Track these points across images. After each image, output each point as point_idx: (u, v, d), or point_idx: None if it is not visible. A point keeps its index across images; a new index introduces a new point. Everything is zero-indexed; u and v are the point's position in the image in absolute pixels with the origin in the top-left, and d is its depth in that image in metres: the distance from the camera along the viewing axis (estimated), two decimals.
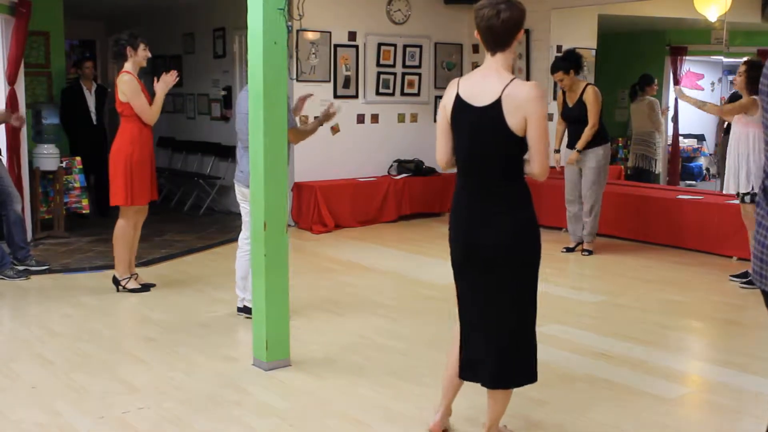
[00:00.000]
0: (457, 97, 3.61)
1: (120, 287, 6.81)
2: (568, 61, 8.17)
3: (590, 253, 8.32)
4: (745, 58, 7.40)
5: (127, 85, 6.59)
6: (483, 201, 3.60)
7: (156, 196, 6.91)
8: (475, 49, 11.30)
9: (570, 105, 8.27)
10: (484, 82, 3.56)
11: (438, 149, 3.78)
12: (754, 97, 6.73)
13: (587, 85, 8.18)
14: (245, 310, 5.95)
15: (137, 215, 6.84)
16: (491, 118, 3.48)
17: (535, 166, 3.52)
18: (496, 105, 3.46)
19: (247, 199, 5.59)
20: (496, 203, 3.58)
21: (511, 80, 3.50)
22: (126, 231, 6.80)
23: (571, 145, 8.31)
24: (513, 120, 3.45)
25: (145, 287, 6.90)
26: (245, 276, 5.86)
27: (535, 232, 3.63)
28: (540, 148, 3.49)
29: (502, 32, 3.51)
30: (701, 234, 8.31)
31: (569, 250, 8.48)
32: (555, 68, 8.21)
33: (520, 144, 3.51)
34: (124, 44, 6.65)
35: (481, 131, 3.55)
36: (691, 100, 7.51)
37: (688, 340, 6.00)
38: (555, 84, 9.04)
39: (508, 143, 3.50)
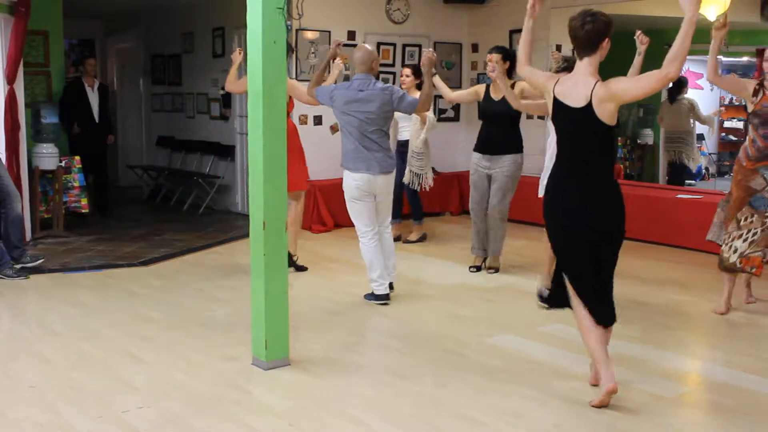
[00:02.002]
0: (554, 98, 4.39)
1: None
2: (508, 52, 7.35)
3: (496, 271, 7.62)
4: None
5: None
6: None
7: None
8: (475, 48, 11.31)
9: (495, 99, 7.37)
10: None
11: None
12: None
13: (516, 81, 7.16)
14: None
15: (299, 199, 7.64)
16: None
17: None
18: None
19: None
20: None
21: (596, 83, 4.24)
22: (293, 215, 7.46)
23: (483, 149, 7.53)
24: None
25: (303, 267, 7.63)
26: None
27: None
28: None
29: (586, 41, 4.27)
30: (701, 233, 8.29)
31: (477, 268, 7.72)
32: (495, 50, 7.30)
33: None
34: None
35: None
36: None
37: (687, 339, 5.99)
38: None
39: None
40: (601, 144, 4.32)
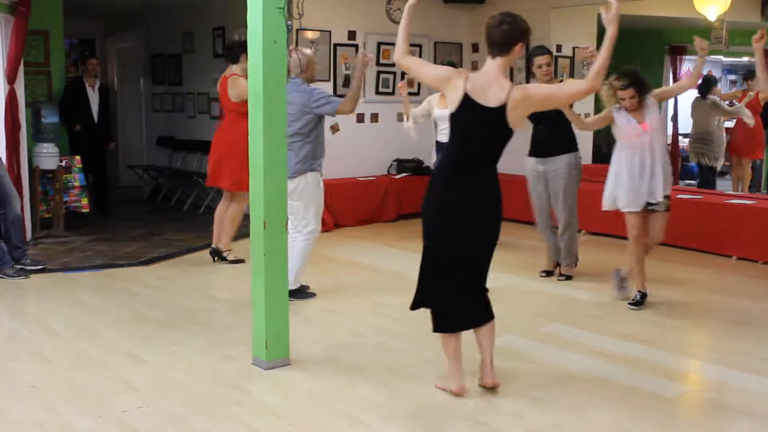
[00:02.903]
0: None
1: (222, 258, 7.92)
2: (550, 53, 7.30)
3: (568, 278, 7.38)
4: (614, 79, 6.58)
5: (243, 87, 7.26)
6: None
7: None
8: (475, 48, 11.30)
9: None
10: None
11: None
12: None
13: (562, 79, 7.31)
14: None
15: (246, 199, 7.48)
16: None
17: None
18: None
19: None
20: None
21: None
22: (239, 212, 7.88)
23: (535, 152, 7.32)
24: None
25: (240, 261, 7.83)
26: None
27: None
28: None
29: (500, 41, 4.25)
30: (701, 233, 8.31)
31: (548, 273, 7.53)
32: (543, 51, 7.19)
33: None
34: (238, 51, 7.51)
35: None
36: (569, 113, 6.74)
37: (688, 339, 5.99)
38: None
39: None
40: (497, 146, 4.34)
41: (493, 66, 4.28)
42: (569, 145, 7.22)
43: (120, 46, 14.57)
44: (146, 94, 13.81)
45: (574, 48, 10.87)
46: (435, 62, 11.17)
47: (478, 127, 4.28)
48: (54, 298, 6.66)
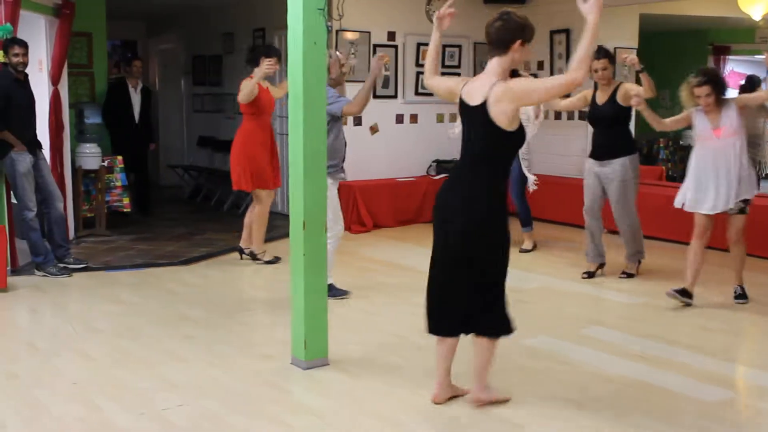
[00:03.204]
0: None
1: (254, 258, 7.96)
2: (611, 55, 7.40)
3: (630, 276, 7.45)
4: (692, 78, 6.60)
5: (242, 87, 7.54)
6: None
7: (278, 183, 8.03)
8: None
9: (599, 104, 7.37)
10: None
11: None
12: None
13: (620, 83, 7.31)
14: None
15: (266, 198, 7.92)
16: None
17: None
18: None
19: None
20: None
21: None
22: (262, 212, 7.90)
23: (593, 154, 7.40)
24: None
25: (277, 259, 7.93)
26: None
27: None
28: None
29: (495, 38, 4.09)
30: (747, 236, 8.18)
31: (590, 275, 7.49)
32: (598, 55, 7.23)
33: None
34: (257, 54, 7.65)
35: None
36: (648, 113, 6.78)
37: (730, 343, 5.91)
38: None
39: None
40: (489, 146, 4.10)
41: (490, 66, 4.12)
42: (625, 148, 7.25)
43: (161, 47, 14.72)
44: (187, 94, 13.95)
45: (615, 48, 10.77)
46: (474, 62, 11.16)
47: (469, 128, 4.18)
48: (96, 297, 6.75)
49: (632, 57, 7.12)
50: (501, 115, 3.99)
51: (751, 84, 10.80)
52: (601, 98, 7.32)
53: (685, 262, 6.48)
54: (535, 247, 8.80)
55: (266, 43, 11.14)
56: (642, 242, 7.49)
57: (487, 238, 4.15)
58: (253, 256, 7.97)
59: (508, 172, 4.32)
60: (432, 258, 4.35)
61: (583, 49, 3.82)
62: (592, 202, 7.41)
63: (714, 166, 6.29)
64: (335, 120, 6.33)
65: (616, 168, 7.21)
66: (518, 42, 4.05)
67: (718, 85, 6.26)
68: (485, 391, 4.37)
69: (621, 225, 7.37)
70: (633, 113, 7.42)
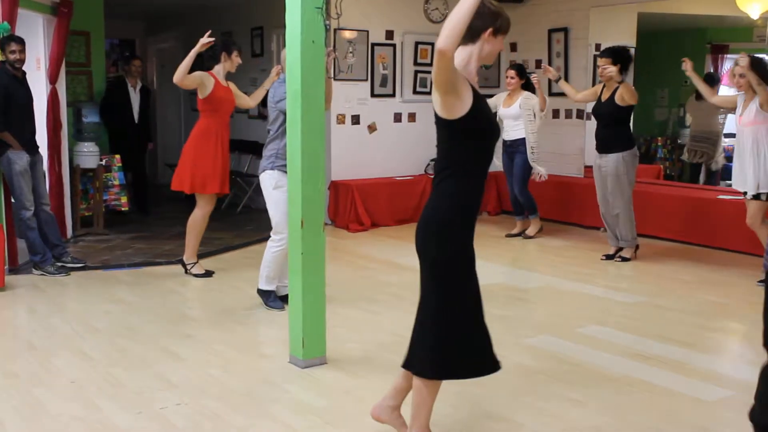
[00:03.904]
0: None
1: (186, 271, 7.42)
2: (619, 54, 7.69)
3: (625, 260, 7.96)
4: (740, 56, 6.94)
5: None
6: None
7: (224, 190, 7.42)
8: (513, 47, 11.24)
9: (602, 100, 7.80)
10: None
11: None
12: None
13: (622, 83, 7.55)
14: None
15: (205, 203, 7.40)
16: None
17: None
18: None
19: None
20: None
21: None
22: (194, 219, 7.39)
23: (597, 147, 8.00)
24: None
25: (208, 273, 7.42)
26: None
27: None
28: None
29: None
30: (742, 234, 8.19)
31: (608, 257, 8.09)
32: (600, 54, 7.83)
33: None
34: (219, 49, 7.39)
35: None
36: (699, 83, 7.28)
37: (728, 342, 5.92)
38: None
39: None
40: (446, 146, 3.52)
41: (456, 56, 3.38)
42: (620, 143, 7.72)
43: (160, 47, 14.71)
44: (185, 93, 13.91)
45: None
46: None
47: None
48: (94, 295, 6.74)
49: (546, 66, 8.17)
50: (436, 103, 3.42)
51: (710, 82, 10.89)
52: (605, 95, 7.77)
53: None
54: (540, 230, 9.29)
55: (264, 42, 11.14)
56: (635, 232, 7.98)
57: (428, 255, 3.61)
58: (184, 267, 7.45)
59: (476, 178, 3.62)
60: (470, 287, 3.76)
61: (453, 13, 3.14)
62: (601, 193, 7.96)
63: (740, 149, 6.92)
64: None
65: (611, 162, 7.74)
66: (489, 30, 3.47)
67: (758, 69, 6.76)
68: None
69: (613, 213, 7.92)
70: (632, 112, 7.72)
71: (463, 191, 3.57)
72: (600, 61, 7.70)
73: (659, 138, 13.29)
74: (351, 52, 10.01)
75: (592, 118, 8.25)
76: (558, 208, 10.06)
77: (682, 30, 12.86)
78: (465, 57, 3.49)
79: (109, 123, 10.41)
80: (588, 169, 9.30)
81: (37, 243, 7.33)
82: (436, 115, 3.48)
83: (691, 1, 10.73)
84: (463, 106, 3.36)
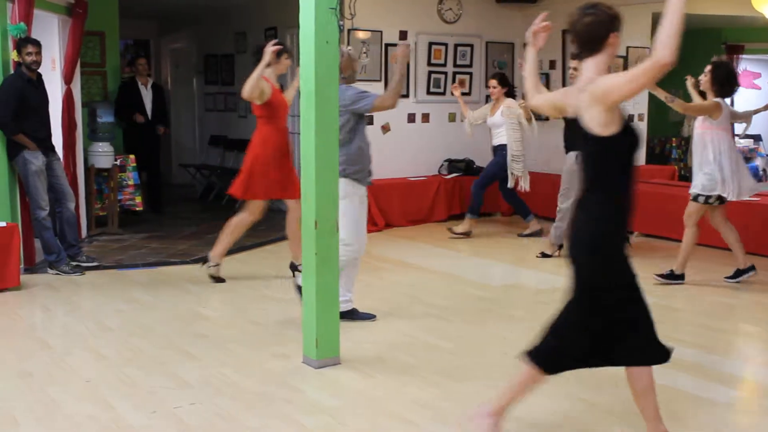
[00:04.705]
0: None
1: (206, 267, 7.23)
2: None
3: (547, 256, 8.20)
4: (713, 58, 7.22)
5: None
6: None
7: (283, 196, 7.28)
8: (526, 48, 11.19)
9: None
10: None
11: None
12: (718, 100, 6.67)
13: None
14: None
15: (257, 211, 7.26)
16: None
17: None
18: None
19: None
20: None
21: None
22: (242, 224, 7.32)
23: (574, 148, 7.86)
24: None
25: (221, 280, 7.22)
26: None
27: None
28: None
29: (586, 36, 3.60)
30: (754, 236, 8.15)
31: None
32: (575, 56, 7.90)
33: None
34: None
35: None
36: (661, 94, 7.09)
37: (739, 343, 5.89)
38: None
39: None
40: (591, 163, 3.63)
41: (586, 70, 3.62)
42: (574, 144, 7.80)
43: (174, 47, 14.75)
44: (199, 93, 13.97)
45: (627, 48, 10.76)
46: (486, 62, 11.15)
47: (582, 147, 3.73)
48: (108, 295, 6.76)
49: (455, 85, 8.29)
50: (592, 120, 3.52)
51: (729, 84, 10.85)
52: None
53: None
54: (469, 234, 9.29)
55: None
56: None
57: (585, 270, 3.68)
58: (205, 262, 7.32)
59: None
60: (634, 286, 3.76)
61: (668, 24, 3.22)
62: (569, 190, 7.90)
63: (700, 151, 6.93)
64: (359, 119, 5.83)
65: (568, 162, 7.91)
66: (614, 34, 3.56)
67: (716, 71, 6.87)
68: None
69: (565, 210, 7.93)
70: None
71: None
72: (573, 63, 7.69)
73: (673, 139, 13.25)
74: (365, 53, 10.01)
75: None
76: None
77: (697, 30, 12.81)
78: (602, 67, 3.58)
79: (126, 120, 10.46)
80: None
81: (52, 243, 7.37)
82: (585, 135, 3.56)
83: (706, 1, 10.68)
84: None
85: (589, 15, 3.57)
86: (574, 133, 7.52)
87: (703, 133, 6.82)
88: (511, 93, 9.25)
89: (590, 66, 3.59)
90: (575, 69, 7.49)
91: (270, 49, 6.74)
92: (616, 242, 3.63)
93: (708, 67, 6.87)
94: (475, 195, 9.29)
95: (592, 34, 3.55)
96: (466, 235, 9.23)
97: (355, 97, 5.69)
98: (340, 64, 5.73)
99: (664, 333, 4.45)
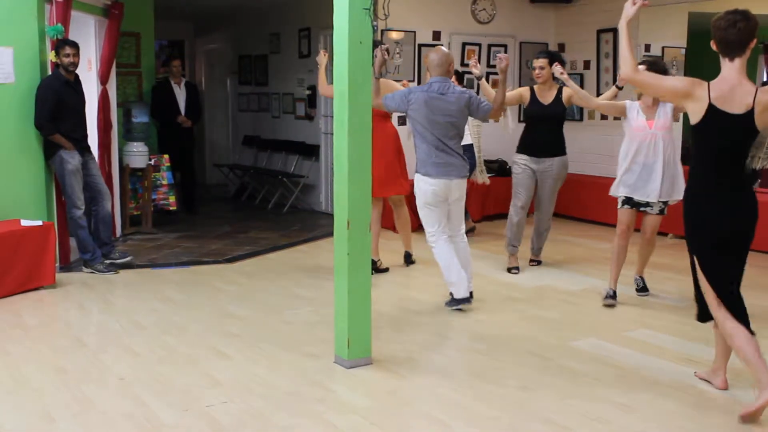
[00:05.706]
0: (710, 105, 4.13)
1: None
2: (554, 55, 7.55)
3: (539, 263, 8.01)
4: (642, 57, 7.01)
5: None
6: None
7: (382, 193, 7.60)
8: (561, 48, 11.15)
9: (545, 103, 7.44)
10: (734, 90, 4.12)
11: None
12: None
13: (562, 86, 7.36)
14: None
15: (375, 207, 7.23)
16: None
17: None
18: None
19: None
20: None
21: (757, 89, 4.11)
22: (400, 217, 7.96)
23: (532, 151, 7.54)
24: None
25: (384, 269, 7.61)
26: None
27: None
28: None
29: (737, 41, 4.09)
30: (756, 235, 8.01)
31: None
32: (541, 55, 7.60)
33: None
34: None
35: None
36: (574, 88, 6.97)
37: None
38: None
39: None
40: (745, 154, 4.24)
41: (733, 70, 4.14)
42: (564, 147, 7.65)
43: (208, 47, 14.86)
44: (233, 94, 14.05)
45: (663, 48, 10.66)
46: (520, 62, 11.10)
47: (725, 137, 4.17)
48: (142, 294, 6.82)
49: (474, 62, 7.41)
50: (762, 123, 4.12)
51: None
52: (546, 98, 7.49)
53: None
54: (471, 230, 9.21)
55: (311, 43, 11.18)
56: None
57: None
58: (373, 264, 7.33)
59: None
60: (733, 273, 4.43)
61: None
62: (527, 197, 7.69)
63: (644, 158, 6.43)
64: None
65: (556, 165, 7.55)
66: (755, 40, 4.12)
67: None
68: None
69: (544, 220, 7.82)
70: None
71: None
72: (538, 62, 7.43)
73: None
74: (398, 53, 10.01)
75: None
76: (601, 210, 9.94)
77: None
78: (745, 68, 4.18)
79: (159, 123, 10.54)
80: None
81: (87, 241, 7.44)
82: (753, 133, 4.18)
83: (742, 1, 10.55)
84: None
85: (742, 20, 4.07)
86: (558, 134, 7.57)
87: (669, 134, 6.51)
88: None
89: (738, 67, 4.12)
90: (541, 68, 7.36)
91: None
92: None
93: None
94: None
95: (743, 38, 4.08)
96: (471, 232, 9.16)
97: (482, 104, 6.24)
98: (439, 60, 6.32)
99: (702, 336, 4.38)
